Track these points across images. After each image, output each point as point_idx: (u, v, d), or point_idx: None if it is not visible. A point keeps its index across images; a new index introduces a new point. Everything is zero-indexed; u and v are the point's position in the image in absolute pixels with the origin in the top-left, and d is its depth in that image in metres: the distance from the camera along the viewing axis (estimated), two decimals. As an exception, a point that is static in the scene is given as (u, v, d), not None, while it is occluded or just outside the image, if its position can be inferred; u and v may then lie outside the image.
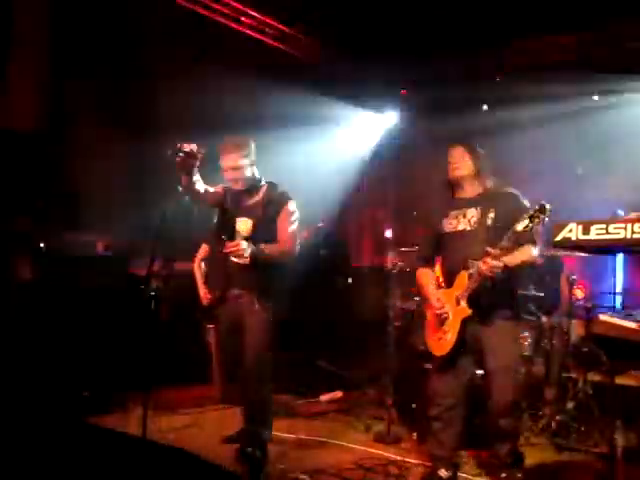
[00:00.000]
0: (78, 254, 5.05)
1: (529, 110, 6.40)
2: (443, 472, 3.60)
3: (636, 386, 4.60)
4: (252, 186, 3.88)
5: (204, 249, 4.89)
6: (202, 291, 4.80)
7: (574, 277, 4.77)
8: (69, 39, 5.60)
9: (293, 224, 3.86)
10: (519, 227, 3.18)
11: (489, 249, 3.27)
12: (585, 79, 5.99)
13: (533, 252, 3.44)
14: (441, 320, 3.54)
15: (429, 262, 3.79)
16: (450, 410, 3.58)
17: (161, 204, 3.51)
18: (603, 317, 3.45)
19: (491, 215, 3.47)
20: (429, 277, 3.74)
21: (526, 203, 3.47)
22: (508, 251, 3.30)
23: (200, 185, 3.73)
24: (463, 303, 3.43)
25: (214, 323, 4.74)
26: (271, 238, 3.79)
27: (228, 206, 3.90)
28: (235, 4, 6.42)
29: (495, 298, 3.43)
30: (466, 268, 3.43)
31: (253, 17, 6.63)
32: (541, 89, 6.19)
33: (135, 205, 5.83)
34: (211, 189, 3.87)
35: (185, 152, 3.44)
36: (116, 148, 5.90)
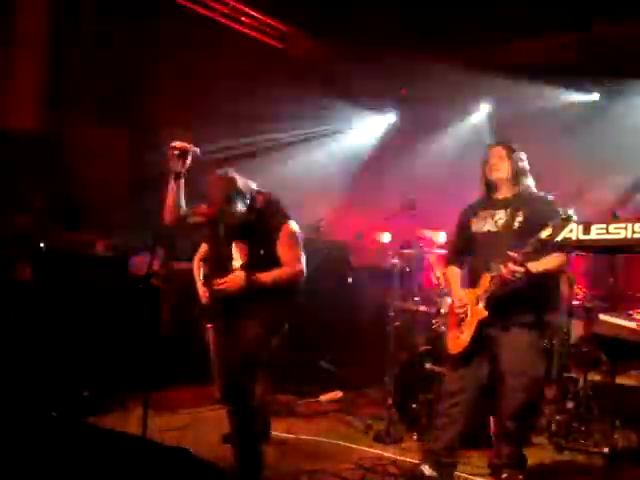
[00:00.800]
0: (78, 254, 5.04)
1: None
2: (427, 469, 3.57)
3: (636, 386, 4.60)
4: (246, 208, 3.60)
5: (204, 248, 4.89)
6: (201, 291, 4.80)
7: (574, 277, 4.77)
8: (69, 38, 5.61)
9: (296, 245, 3.63)
10: (543, 235, 3.12)
11: (511, 253, 3.25)
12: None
13: (561, 260, 3.41)
14: (460, 319, 3.55)
15: (457, 261, 3.79)
16: (455, 407, 3.56)
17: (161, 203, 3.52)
18: (603, 317, 3.46)
19: (519, 219, 3.44)
20: (456, 276, 3.75)
21: (559, 210, 3.32)
22: (532, 257, 3.28)
23: (182, 202, 3.57)
24: (481, 304, 3.43)
25: (213, 323, 4.75)
26: (270, 261, 3.58)
27: (220, 227, 3.67)
28: (235, 4, 6.44)
29: (516, 304, 3.40)
30: (489, 270, 3.43)
31: (253, 17, 6.65)
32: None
33: (135, 205, 5.83)
34: (191, 214, 3.66)
35: (177, 149, 3.40)
36: (116, 148, 5.90)
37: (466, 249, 3.74)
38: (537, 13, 5.57)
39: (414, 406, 4.60)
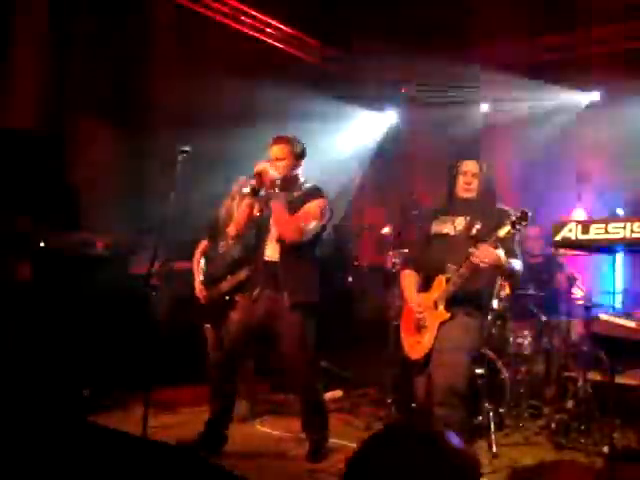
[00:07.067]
0: (78, 254, 5.04)
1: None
2: None
3: (636, 386, 4.60)
4: (291, 184, 3.88)
5: (204, 244, 4.90)
6: (199, 289, 4.79)
7: (573, 276, 4.77)
8: (69, 38, 5.61)
9: (318, 214, 3.84)
10: (501, 232, 3.24)
11: (484, 242, 3.30)
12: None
13: (515, 265, 3.46)
14: (419, 324, 3.54)
15: (415, 265, 3.76)
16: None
17: (161, 203, 3.52)
18: (603, 317, 3.46)
19: (477, 226, 3.50)
20: (412, 280, 3.72)
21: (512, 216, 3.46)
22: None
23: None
24: (441, 307, 3.44)
25: (208, 322, 4.75)
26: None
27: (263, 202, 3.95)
28: (235, 4, 6.44)
29: (462, 295, 3.43)
30: (444, 272, 3.45)
31: (253, 17, 6.65)
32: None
33: (135, 204, 5.83)
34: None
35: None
36: (116, 147, 5.90)
37: (425, 252, 3.73)
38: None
39: (414, 406, 4.60)
